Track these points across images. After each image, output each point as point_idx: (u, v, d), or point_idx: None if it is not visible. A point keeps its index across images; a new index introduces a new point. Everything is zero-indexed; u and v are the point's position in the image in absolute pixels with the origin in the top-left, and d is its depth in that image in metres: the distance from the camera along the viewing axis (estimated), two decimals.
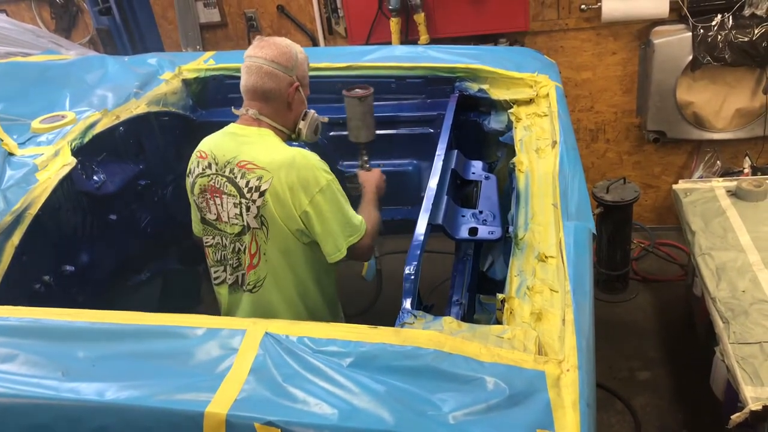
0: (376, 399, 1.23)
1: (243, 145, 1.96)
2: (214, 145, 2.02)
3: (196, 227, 2.21)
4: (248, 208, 1.92)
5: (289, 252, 1.98)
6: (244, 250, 1.99)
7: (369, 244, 2.06)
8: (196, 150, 2.08)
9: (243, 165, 1.92)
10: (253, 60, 1.97)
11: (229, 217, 1.98)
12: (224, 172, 1.95)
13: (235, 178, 1.93)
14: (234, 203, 1.95)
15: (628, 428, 2.96)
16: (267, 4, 4.15)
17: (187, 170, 2.10)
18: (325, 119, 2.20)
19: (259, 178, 1.89)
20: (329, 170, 1.96)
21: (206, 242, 2.10)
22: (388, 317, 1.58)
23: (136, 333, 1.44)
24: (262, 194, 1.89)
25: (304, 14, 4.14)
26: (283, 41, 2.02)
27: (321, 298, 2.13)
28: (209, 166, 1.99)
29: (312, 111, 2.13)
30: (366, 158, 2.51)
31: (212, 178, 1.99)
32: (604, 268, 3.74)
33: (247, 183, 1.91)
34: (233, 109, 2.06)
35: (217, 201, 1.99)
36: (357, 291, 2.77)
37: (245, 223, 1.95)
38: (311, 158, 1.94)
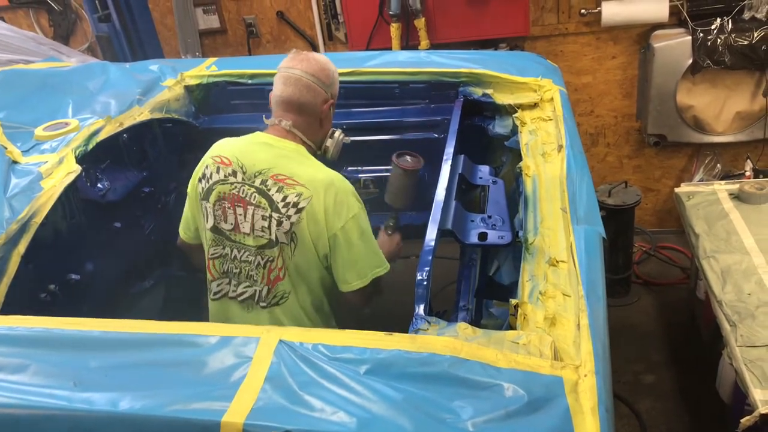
0: (394, 406, 1.22)
1: (279, 158, 1.92)
2: (240, 153, 1.96)
3: (186, 233, 2.16)
4: (280, 223, 1.87)
5: (309, 272, 1.94)
6: (265, 264, 1.93)
7: (372, 292, 1.99)
8: (212, 155, 2.00)
9: (281, 179, 1.88)
10: (292, 71, 1.96)
11: (253, 229, 1.91)
12: (254, 182, 1.90)
13: (268, 190, 1.88)
14: (263, 215, 1.89)
15: None
16: (266, 10, 4.15)
17: (200, 174, 2.01)
18: (349, 140, 2.17)
19: (299, 195, 1.86)
20: (360, 199, 1.96)
21: (212, 253, 2.00)
22: (386, 324, 1.54)
23: (148, 342, 1.42)
24: (299, 211, 1.86)
25: (304, 20, 4.14)
26: (323, 57, 2.03)
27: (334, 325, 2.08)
28: (234, 173, 1.93)
29: (338, 130, 2.13)
30: (392, 223, 2.42)
31: (237, 187, 1.92)
32: (607, 272, 3.72)
33: (284, 198, 1.86)
34: (264, 118, 2.03)
35: (239, 211, 1.92)
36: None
37: (273, 237, 1.89)
38: (348, 184, 1.94)
